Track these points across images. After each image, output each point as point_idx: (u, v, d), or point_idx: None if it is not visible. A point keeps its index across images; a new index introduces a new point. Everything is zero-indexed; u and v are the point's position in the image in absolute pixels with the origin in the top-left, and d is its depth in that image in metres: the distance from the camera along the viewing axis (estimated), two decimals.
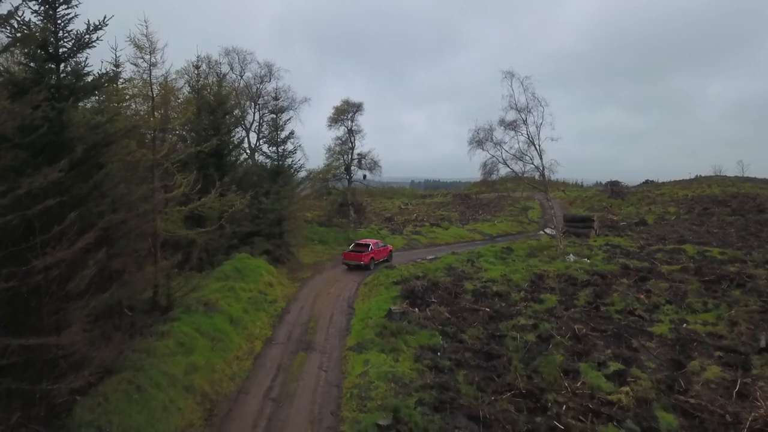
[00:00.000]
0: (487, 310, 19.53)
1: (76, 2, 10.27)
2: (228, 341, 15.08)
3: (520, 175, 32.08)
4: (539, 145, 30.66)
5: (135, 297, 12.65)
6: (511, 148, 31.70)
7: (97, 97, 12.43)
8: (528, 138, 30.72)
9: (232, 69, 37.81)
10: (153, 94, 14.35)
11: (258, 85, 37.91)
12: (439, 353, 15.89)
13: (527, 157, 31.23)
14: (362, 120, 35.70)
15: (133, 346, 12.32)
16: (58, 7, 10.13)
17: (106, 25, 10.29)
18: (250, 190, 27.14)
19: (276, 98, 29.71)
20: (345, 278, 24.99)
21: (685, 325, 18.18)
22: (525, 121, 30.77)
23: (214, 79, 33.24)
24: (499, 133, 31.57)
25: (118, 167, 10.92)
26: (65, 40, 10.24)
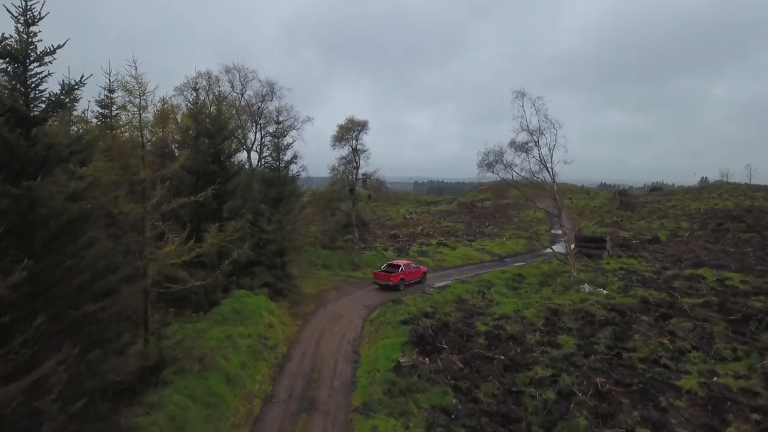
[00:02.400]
0: (502, 358, 18.31)
1: (50, 59, 9.08)
2: (224, 407, 13.92)
3: (531, 196, 30.88)
4: (552, 168, 29.44)
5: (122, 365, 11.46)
6: (522, 170, 30.48)
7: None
8: (540, 160, 29.48)
9: (233, 87, 36.74)
10: (143, 141, 13.19)
11: (259, 104, 36.80)
12: (453, 416, 14.72)
13: (539, 179, 30.01)
14: (367, 137, 34.47)
15: (119, 425, 11.16)
16: (30, 64, 8.97)
17: (84, 84, 9.15)
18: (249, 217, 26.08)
19: (278, 122, 28.54)
20: (350, 314, 23.79)
21: (715, 378, 16.92)
22: (537, 143, 29.54)
23: (213, 97, 32.18)
24: (509, 155, 30.33)
25: (98, 238, 9.77)
26: (37, 101, 9.08)
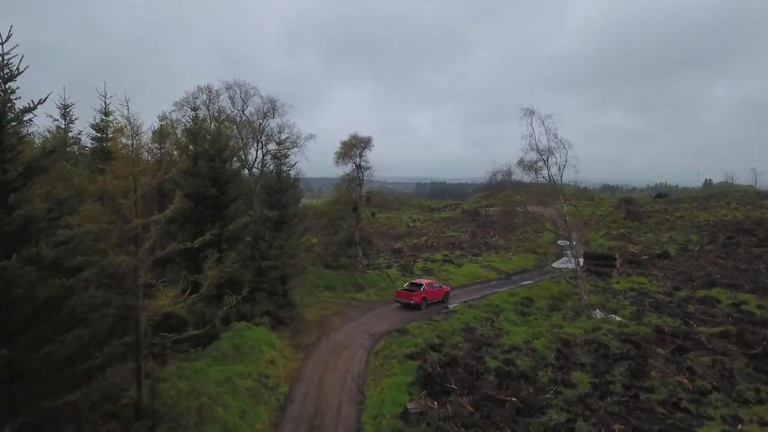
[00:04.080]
0: (514, 400, 17.45)
1: (31, 115, 8.27)
2: None
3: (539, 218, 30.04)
4: (562, 188, 28.53)
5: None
6: (530, 190, 29.60)
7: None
8: (550, 180, 28.56)
9: (233, 103, 35.91)
10: (136, 187, 12.36)
11: (261, 121, 35.98)
12: None
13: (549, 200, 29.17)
14: (371, 155, 33.61)
15: None
16: (6, 124, 8.16)
17: (66, 146, 8.30)
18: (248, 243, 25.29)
19: (279, 142, 27.72)
20: (354, 344, 22.96)
21: (740, 426, 16.03)
22: (546, 163, 28.63)
23: (213, 114, 31.42)
24: (518, 175, 29.44)
25: (85, 302, 8.95)
26: (15, 164, 8.26)
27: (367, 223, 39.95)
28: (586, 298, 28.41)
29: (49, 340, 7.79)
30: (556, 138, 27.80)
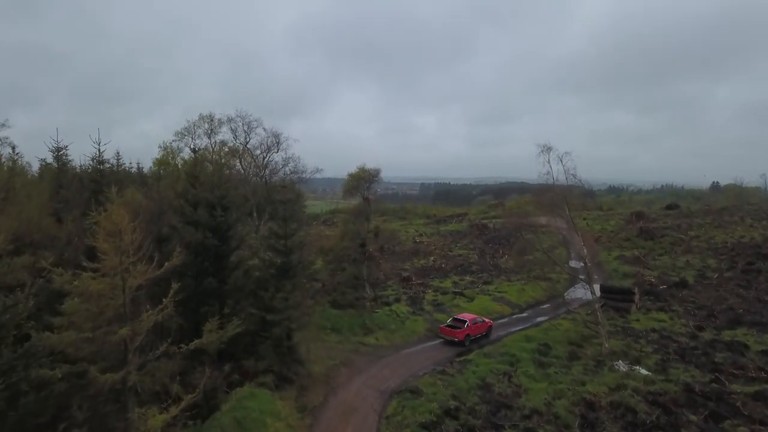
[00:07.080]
0: None
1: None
2: None
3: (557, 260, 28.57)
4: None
5: None
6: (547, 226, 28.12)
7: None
8: (569, 220, 27.10)
9: (235, 136, 34.57)
10: (125, 287, 11.00)
11: (264, 155, 34.54)
12: None
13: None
14: (379, 186, 32.24)
15: None
16: None
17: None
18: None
19: (283, 186, 26.41)
20: (363, 405, 21.54)
21: None
22: (565, 199, 27.14)
23: (215, 147, 30.22)
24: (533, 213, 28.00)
25: None
26: None
27: (375, 246, 38.56)
28: (606, 345, 26.95)
29: None
30: (575, 177, 26.35)
